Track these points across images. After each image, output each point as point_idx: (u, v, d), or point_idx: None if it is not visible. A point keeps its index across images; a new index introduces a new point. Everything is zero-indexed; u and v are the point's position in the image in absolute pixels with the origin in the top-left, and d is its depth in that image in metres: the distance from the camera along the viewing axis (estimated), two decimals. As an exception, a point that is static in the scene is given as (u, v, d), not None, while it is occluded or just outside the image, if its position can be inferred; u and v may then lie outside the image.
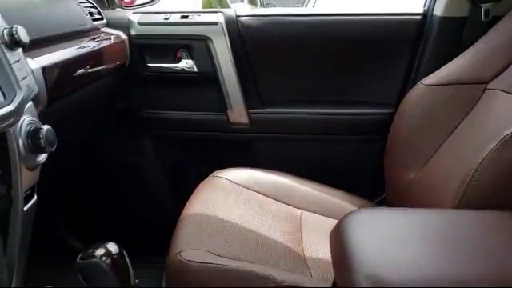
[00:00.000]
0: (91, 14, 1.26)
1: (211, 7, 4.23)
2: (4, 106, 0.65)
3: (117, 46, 1.29)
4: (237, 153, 1.43)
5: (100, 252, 0.59)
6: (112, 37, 1.29)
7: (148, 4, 1.65)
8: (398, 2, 1.56)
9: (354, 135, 1.36)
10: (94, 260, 0.58)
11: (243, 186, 1.19)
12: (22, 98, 0.68)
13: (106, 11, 1.37)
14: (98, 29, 1.27)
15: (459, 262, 0.55)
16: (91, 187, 1.48)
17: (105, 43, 1.23)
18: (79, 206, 1.48)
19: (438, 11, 1.26)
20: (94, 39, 1.20)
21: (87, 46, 1.14)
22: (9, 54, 0.69)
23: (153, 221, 1.33)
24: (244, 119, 1.38)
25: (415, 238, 0.61)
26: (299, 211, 1.16)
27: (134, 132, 1.44)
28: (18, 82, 0.68)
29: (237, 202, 1.12)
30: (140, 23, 1.34)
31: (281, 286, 0.80)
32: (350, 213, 0.68)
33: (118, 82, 1.35)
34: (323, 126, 1.37)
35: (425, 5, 1.31)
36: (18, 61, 0.70)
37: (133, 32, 1.34)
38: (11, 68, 0.68)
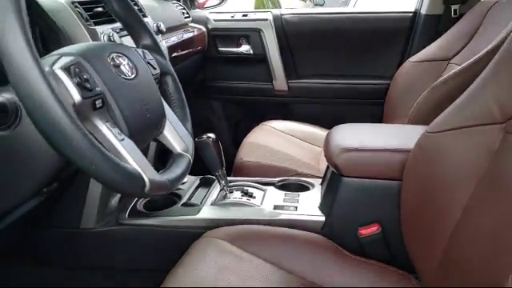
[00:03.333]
0: (182, 13, 1.86)
1: (263, 5, 4.83)
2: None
3: (199, 36, 1.89)
4: (279, 111, 1.99)
5: (205, 136, 1.16)
6: (195, 29, 1.89)
7: (217, 5, 2.25)
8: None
9: (362, 99, 1.90)
10: (203, 139, 1.15)
11: (282, 131, 1.75)
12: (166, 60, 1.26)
13: (190, 11, 1.98)
14: (187, 24, 1.87)
15: (386, 140, 1.08)
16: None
17: (192, 34, 1.83)
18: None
19: (424, 10, 1.77)
20: (185, 31, 1.80)
21: (183, 35, 1.74)
22: (158, 37, 1.28)
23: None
24: (284, 87, 1.96)
25: (372, 132, 1.15)
26: (319, 148, 1.70)
27: (208, 96, 2.05)
28: (163, 52, 1.26)
29: (277, 139, 1.68)
30: (215, 20, 1.95)
31: (299, 174, 1.37)
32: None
33: (199, 61, 1.96)
34: (340, 92, 1.92)
35: (416, 6, 1.82)
36: (161, 41, 1.30)
37: (209, 26, 1.95)
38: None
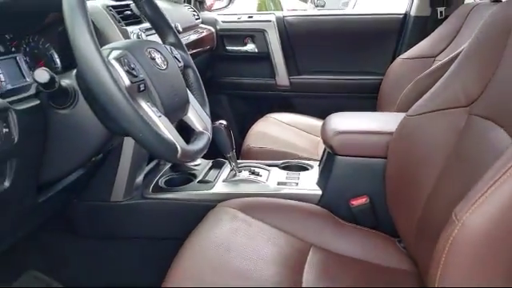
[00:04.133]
0: (193, 15, 2.04)
1: (265, 6, 5.01)
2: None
3: (208, 36, 2.07)
4: (281, 105, 2.17)
5: (218, 122, 1.33)
6: (205, 30, 2.07)
7: (223, 8, 2.43)
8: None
9: (357, 93, 2.08)
10: (216, 125, 1.32)
11: (284, 123, 1.92)
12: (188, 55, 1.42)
13: (200, 13, 2.16)
14: (197, 25, 2.05)
15: (373, 124, 1.26)
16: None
17: (202, 34, 2.01)
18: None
19: (413, 12, 1.95)
20: (195, 31, 1.97)
21: (193, 35, 1.91)
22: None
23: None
24: (286, 82, 2.14)
25: (362, 118, 1.32)
26: (318, 138, 1.87)
27: (215, 92, 2.22)
28: (185, 48, 1.40)
29: (280, 129, 1.85)
30: (223, 21, 2.14)
31: (300, 158, 1.54)
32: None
33: (208, 59, 2.13)
34: (338, 87, 2.10)
35: (406, 8, 2.00)
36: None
37: (218, 27, 2.13)
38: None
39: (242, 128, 2.22)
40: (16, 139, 0.76)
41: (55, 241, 1.36)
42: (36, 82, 0.76)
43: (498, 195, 0.61)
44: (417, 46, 1.84)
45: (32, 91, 0.85)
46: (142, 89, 0.83)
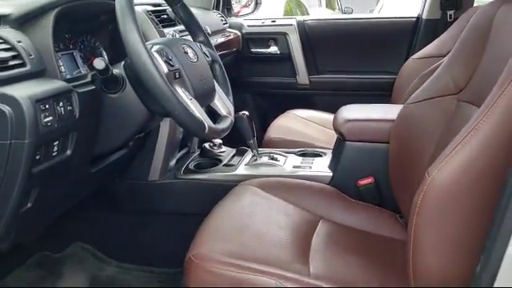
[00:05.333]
0: (221, 20, 2.23)
1: (291, 12, 5.20)
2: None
3: (235, 39, 2.26)
4: (301, 102, 2.31)
5: (241, 112, 1.50)
6: (232, 34, 2.25)
7: (250, 14, 2.62)
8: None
9: (372, 91, 2.22)
10: (239, 115, 1.49)
11: (304, 118, 2.08)
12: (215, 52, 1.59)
13: (227, 18, 2.35)
14: (225, 29, 2.24)
15: (378, 113, 1.41)
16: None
17: (229, 37, 2.19)
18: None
19: (425, 15, 2.08)
20: (223, 35, 2.16)
21: (221, 38, 2.10)
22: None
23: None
24: (306, 81, 2.31)
25: (369, 109, 1.47)
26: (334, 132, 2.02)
27: (240, 90, 2.40)
28: (213, 46, 1.57)
29: (299, 123, 2.01)
30: (248, 25, 2.33)
31: (315, 147, 1.70)
32: (346, 105, 1.55)
33: (234, 60, 2.32)
34: (355, 85, 2.25)
35: (418, 11, 2.14)
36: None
37: (244, 31, 2.32)
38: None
39: (264, 123, 2.39)
40: (77, 116, 0.95)
41: (98, 217, 1.56)
42: (94, 68, 0.96)
43: (459, 156, 0.76)
44: (427, 46, 1.96)
45: (88, 79, 1.05)
46: (177, 76, 1.01)
